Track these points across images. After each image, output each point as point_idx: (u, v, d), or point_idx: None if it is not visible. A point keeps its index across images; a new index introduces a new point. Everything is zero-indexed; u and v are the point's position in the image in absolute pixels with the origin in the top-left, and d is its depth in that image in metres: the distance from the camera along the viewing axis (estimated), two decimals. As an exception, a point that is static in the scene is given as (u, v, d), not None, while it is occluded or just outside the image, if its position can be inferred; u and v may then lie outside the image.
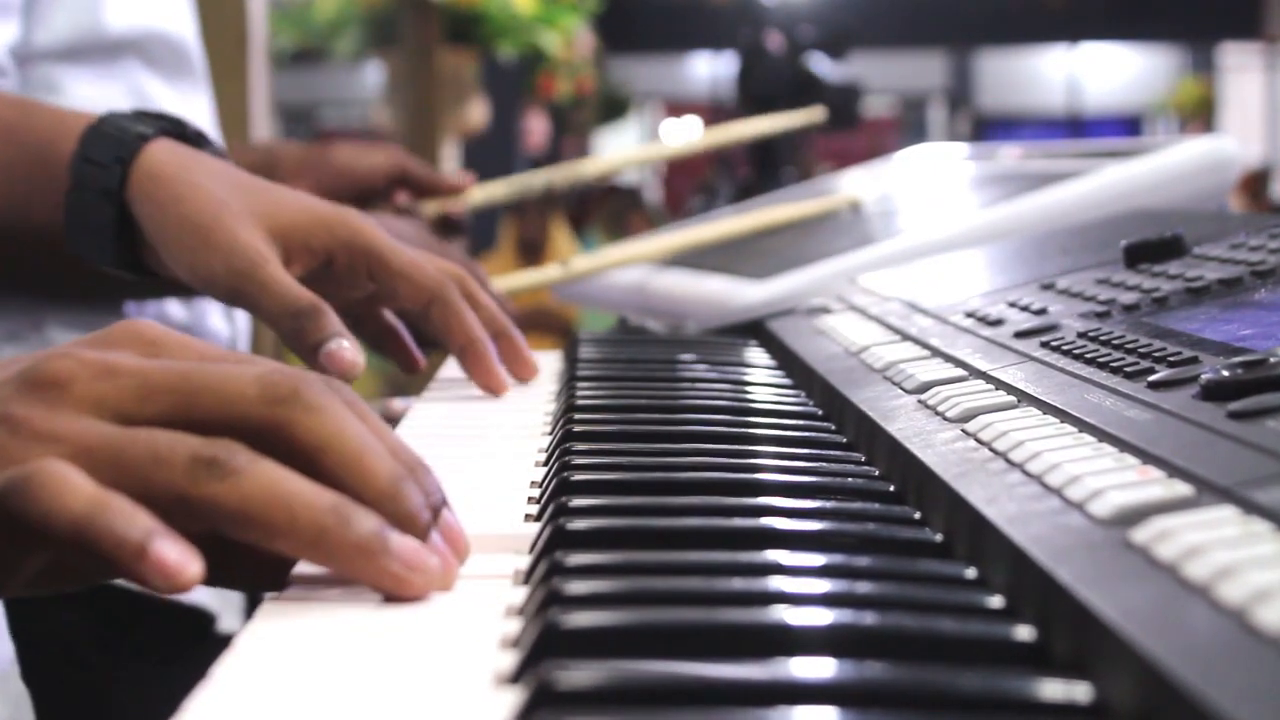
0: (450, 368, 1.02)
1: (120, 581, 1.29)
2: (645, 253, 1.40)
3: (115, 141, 0.80)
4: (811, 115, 1.62)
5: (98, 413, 0.47)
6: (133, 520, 0.43)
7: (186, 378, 0.48)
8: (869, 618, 0.43)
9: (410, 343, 0.94)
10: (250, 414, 0.47)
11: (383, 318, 0.92)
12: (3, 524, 0.44)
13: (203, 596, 1.21)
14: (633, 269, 1.41)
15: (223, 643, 1.32)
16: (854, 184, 1.59)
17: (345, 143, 1.45)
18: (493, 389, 0.88)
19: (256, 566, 0.50)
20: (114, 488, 0.44)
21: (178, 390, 0.48)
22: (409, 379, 0.88)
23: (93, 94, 1.14)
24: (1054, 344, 0.71)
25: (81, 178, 0.80)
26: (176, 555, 0.43)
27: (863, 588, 0.46)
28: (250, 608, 1.27)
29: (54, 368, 0.47)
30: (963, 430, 0.61)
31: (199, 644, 1.22)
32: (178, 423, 0.47)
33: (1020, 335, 0.76)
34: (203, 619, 1.21)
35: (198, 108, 1.25)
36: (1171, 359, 0.61)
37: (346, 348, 0.77)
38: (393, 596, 0.47)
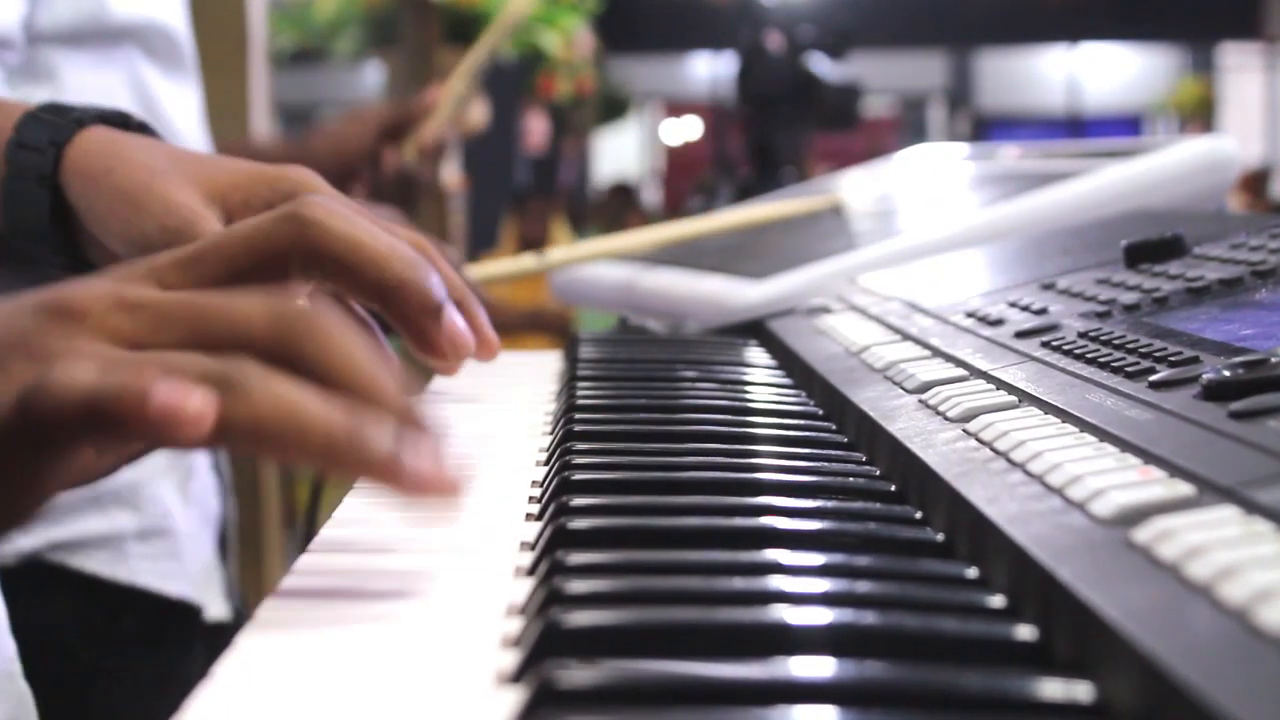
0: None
1: (105, 573, 1.28)
2: (620, 248, 1.40)
3: (50, 126, 0.78)
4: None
5: (113, 343, 0.47)
6: (129, 371, 0.44)
7: (198, 306, 0.49)
8: (870, 617, 0.43)
9: (377, 330, 0.92)
10: (260, 335, 0.48)
11: (351, 311, 0.90)
12: (25, 428, 0.44)
13: (186, 588, 1.21)
14: (633, 269, 1.41)
15: (207, 632, 1.32)
16: (840, 186, 1.59)
17: (319, 128, 1.46)
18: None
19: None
20: None
21: (190, 318, 0.48)
22: (410, 379, 0.86)
23: (90, 81, 1.14)
24: (1055, 344, 0.71)
25: (17, 164, 0.78)
26: (176, 393, 0.43)
27: (863, 587, 0.46)
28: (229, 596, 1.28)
29: (71, 299, 0.48)
30: (964, 430, 0.61)
31: (183, 634, 1.23)
32: (192, 350, 0.47)
33: (1021, 335, 0.76)
34: (187, 610, 1.22)
35: (189, 100, 1.26)
36: (1172, 359, 0.61)
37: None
38: (411, 500, 0.47)
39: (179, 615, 1.22)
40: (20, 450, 0.45)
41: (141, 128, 0.82)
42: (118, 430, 0.44)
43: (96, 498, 1.17)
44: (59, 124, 0.78)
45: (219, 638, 1.25)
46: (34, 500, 0.47)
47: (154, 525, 1.19)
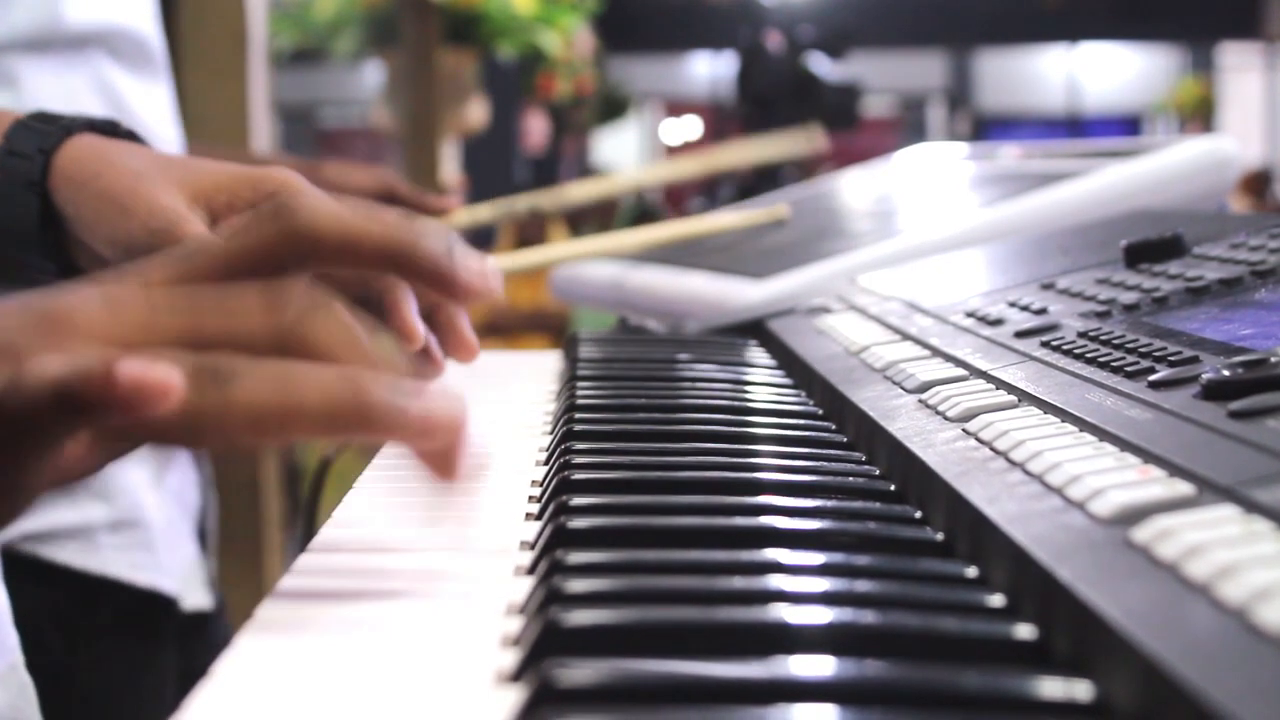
0: (449, 370, 1.02)
1: (77, 564, 1.28)
2: (589, 250, 1.42)
3: (39, 134, 0.79)
4: (810, 138, 1.61)
5: (103, 344, 0.47)
6: (96, 356, 0.43)
7: (189, 304, 0.48)
8: (869, 616, 0.43)
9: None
10: (257, 329, 0.48)
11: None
12: (2, 425, 0.44)
13: (159, 578, 1.22)
14: (633, 270, 1.41)
15: (184, 621, 1.32)
16: (782, 199, 1.63)
17: (337, 156, 1.48)
18: (409, 336, 0.80)
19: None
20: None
21: (182, 315, 0.48)
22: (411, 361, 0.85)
23: (53, 86, 1.15)
24: (1054, 344, 0.71)
25: (6, 171, 0.79)
26: (140, 366, 0.43)
27: (863, 586, 0.46)
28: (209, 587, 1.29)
29: (57, 302, 0.48)
30: (963, 430, 0.61)
31: (157, 625, 1.24)
32: (185, 349, 0.47)
33: (1020, 335, 0.76)
34: (161, 601, 1.23)
35: (159, 99, 1.27)
36: (1172, 359, 0.61)
37: None
38: (424, 451, 0.46)
39: (152, 606, 1.23)
40: (1, 449, 0.45)
41: (130, 135, 0.83)
42: (91, 413, 0.43)
43: (67, 489, 1.17)
44: (48, 131, 0.79)
45: (197, 628, 1.26)
46: (19, 499, 0.47)
47: (125, 516, 1.20)
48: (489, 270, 0.52)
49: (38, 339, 0.47)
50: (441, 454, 0.47)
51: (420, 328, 0.79)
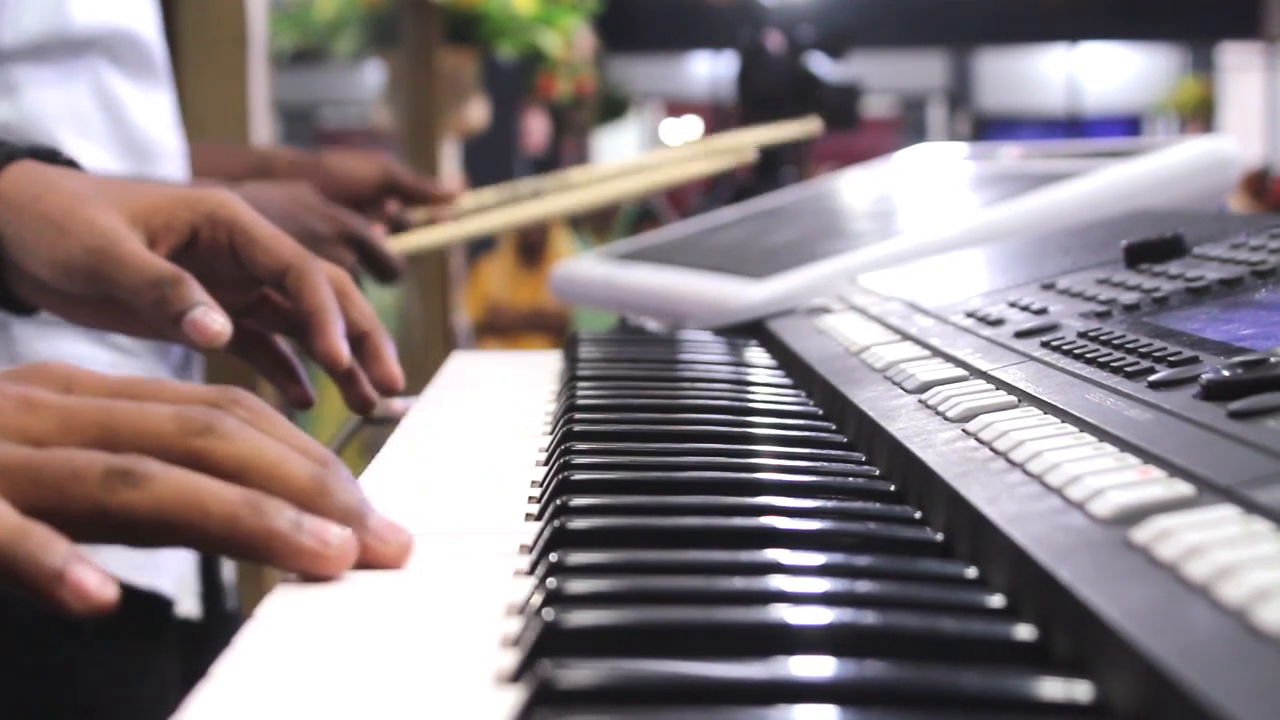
0: (449, 369, 1.02)
1: None
2: (533, 213, 1.43)
3: None
4: (808, 125, 1.62)
5: (20, 441, 0.49)
6: (51, 547, 0.45)
7: (107, 413, 0.50)
8: (869, 617, 0.43)
9: (302, 376, 0.90)
10: (169, 447, 0.50)
11: (275, 347, 0.89)
12: None
13: (158, 580, 1.22)
14: (633, 270, 1.41)
15: (180, 627, 1.33)
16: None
17: (338, 150, 1.48)
18: (333, 358, 0.80)
19: None
20: (32, 504, 0.46)
21: (97, 425, 0.50)
22: (410, 379, 0.86)
23: (53, 94, 1.16)
24: (1054, 344, 0.71)
25: None
26: (95, 579, 0.45)
27: (863, 587, 0.46)
28: (206, 592, 1.29)
29: None
30: (963, 430, 0.61)
31: (157, 627, 1.24)
32: (101, 448, 0.49)
33: (1021, 335, 0.76)
34: (160, 603, 1.23)
35: (160, 105, 1.27)
36: (1172, 359, 0.61)
37: (212, 316, 0.75)
38: (313, 577, 0.49)
39: (151, 607, 1.23)
40: None
41: (70, 163, 0.84)
42: (20, 588, 0.45)
43: None
44: None
45: (193, 635, 1.26)
46: None
47: None
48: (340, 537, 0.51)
49: None
50: (334, 568, 0.49)
51: (345, 353, 0.80)
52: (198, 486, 0.48)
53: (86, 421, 0.50)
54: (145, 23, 1.25)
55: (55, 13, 1.15)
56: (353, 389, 0.82)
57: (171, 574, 1.25)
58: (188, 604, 1.27)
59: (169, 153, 1.27)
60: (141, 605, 1.22)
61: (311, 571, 0.49)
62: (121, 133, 1.22)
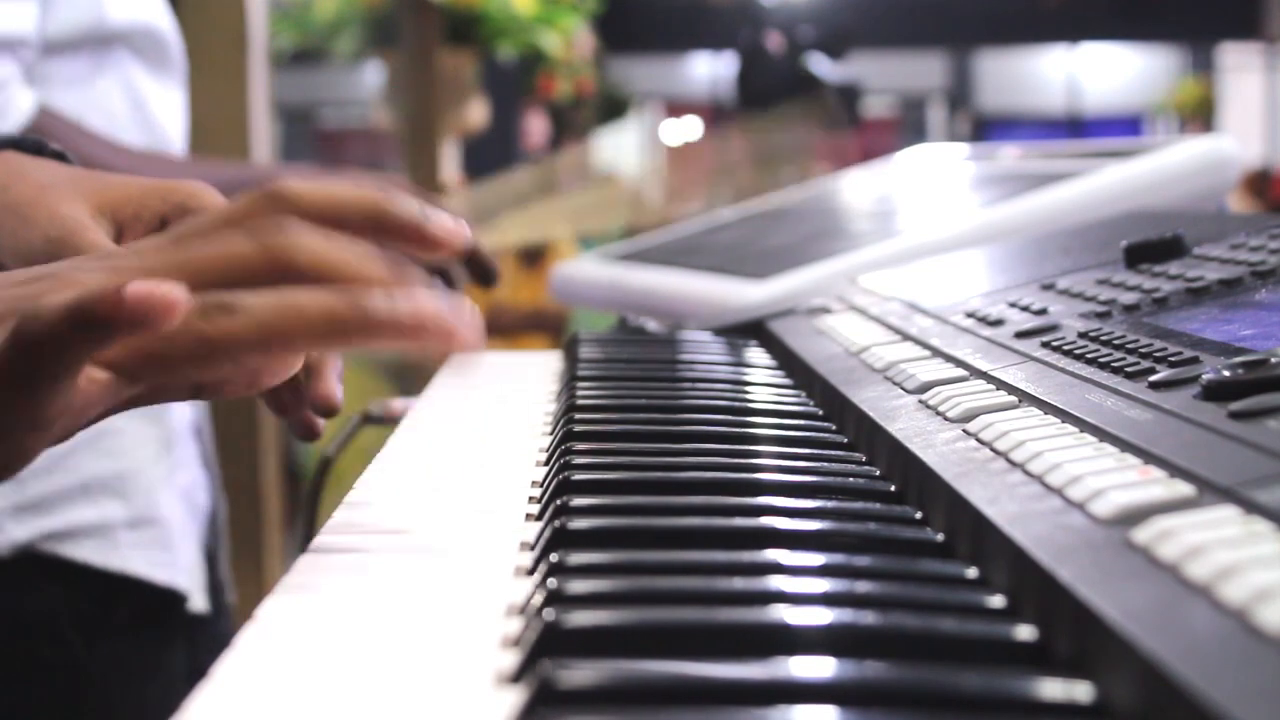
0: (449, 369, 1.02)
1: (97, 561, 1.30)
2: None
3: None
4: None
5: None
6: (106, 280, 0.47)
7: (183, 258, 0.52)
8: (870, 617, 0.43)
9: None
10: (249, 260, 0.51)
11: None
12: (20, 351, 0.47)
13: (176, 576, 1.23)
14: (633, 270, 1.41)
15: (192, 622, 1.34)
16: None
17: (337, 152, 1.49)
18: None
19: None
20: (137, 349, 0.49)
21: (178, 264, 0.51)
22: (410, 379, 0.86)
23: (83, 88, 1.17)
24: (1054, 344, 0.71)
25: None
26: (147, 284, 0.46)
27: (863, 587, 0.46)
28: (211, 591, 1.29)
29: (59, 269, 0.52)
30: (963, 430, 0.61)
31: (170, 624, 1.24)
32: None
33: (1021, 335, 0.76)
34: (175, 598, 1.24)
35: (174, 102, 1.29)
36: (1172, 359, 0.61)
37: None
38: (423, 346, 0.49)
39: (167, 604, 1.23)
40: (18, 377, 0.47)
41: (57, 155, 0.84)
42: (105, 331, 0.46)
43: (86, 488, 1.19)
44: None
45: (198, 630, 1.27)
46: (37, 436, 0.49)
47: (143, 514, 1.21)
48: (457, 224, 0.56)
49: (46, 289, 0.50)
50: (441, 338, 0.50)
51: (339, 394, 0.77)
52: (291, 297, 0.49)
53: (168, 269, 0.51)
54: (164, 19, 1.27)
55: (93, 6, 1.17)
56: (298, 410, 0.72)
57: (186, 570, 1.25)
58: (198, 599, 1.27)
59: (177, 150, 1.28)
60: (158, 602, 1.23)
61: (415, 340, 0.50)
62: (145, 127, 1.23)
